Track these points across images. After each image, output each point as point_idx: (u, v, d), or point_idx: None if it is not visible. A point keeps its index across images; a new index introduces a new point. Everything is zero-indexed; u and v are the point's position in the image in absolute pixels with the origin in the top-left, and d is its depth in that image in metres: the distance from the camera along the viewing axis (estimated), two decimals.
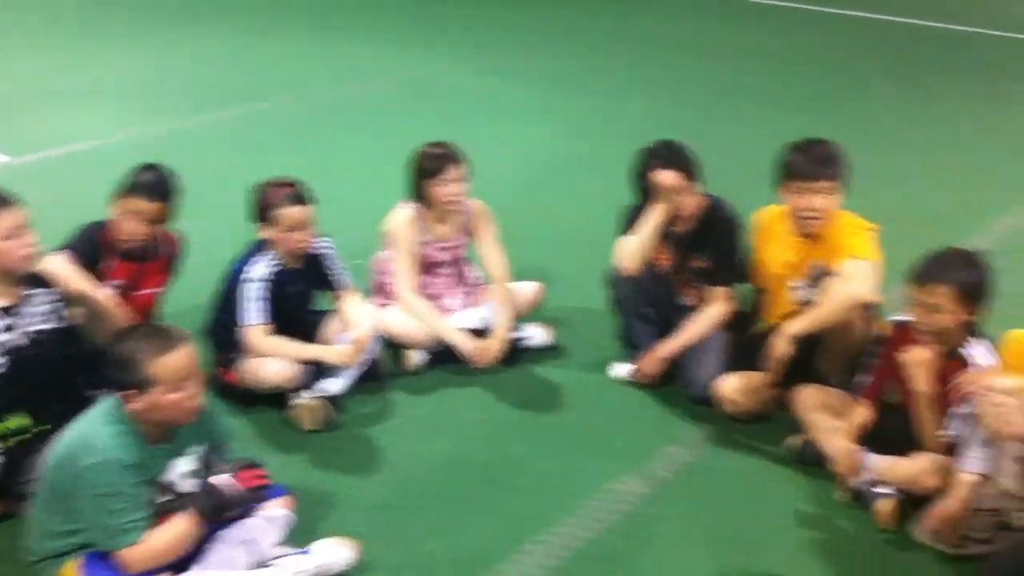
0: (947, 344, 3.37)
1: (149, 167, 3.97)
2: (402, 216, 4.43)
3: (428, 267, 4.52)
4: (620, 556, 3.34)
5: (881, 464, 3.52)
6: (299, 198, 3.98)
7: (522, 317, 4.59)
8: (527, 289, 4.63)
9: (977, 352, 3.36)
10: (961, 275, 3.30)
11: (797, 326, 3.80)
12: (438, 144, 4.43)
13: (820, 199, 3.86)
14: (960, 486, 3.24)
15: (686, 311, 4.27)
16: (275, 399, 4.03)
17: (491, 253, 4.52)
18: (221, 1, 12.44)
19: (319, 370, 4.08)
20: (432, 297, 4.52)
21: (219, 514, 2.99)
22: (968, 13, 12.86)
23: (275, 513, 3.21)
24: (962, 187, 6.87)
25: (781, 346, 3.80)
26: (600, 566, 3.31)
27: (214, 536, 3.06)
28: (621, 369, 4.39)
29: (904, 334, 3.50)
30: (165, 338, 2.92)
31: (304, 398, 3.99)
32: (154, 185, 3.91)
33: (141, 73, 9.19)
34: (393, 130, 7.45)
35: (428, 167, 4.36)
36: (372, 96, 8.81)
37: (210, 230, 4.95)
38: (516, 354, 4.48)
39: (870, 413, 3.62)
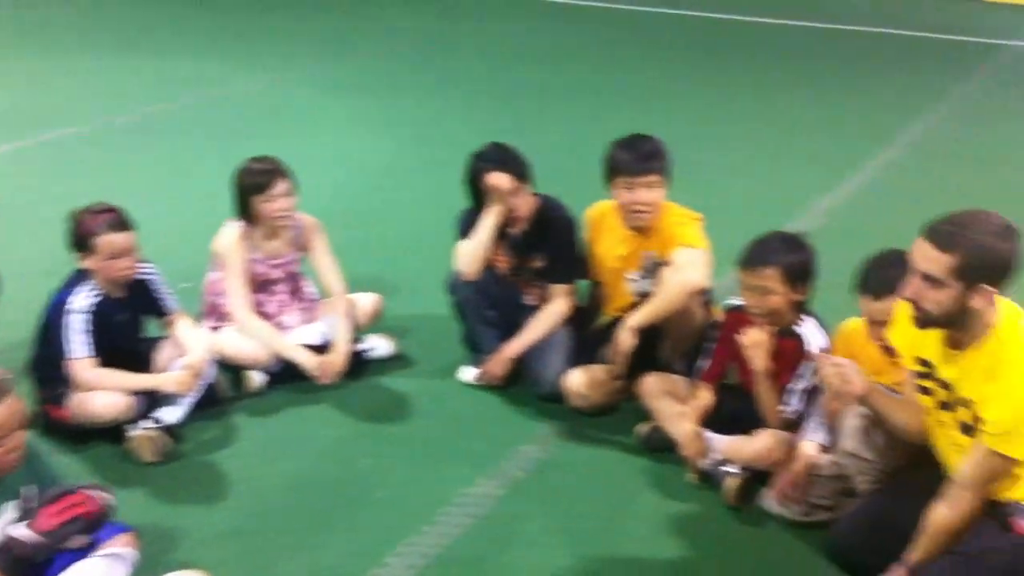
0: (779, 324, 3.50)
1: None
2: (230, 235, 4.29)
3: (261, 285, 4.39)
4: (480, 559, 3.32)
5: (726, 444, 3.62)
6: (119, 224, 3.79)
7: (363, 329, 4.52)
8: (366, 300, 4.56)
9: (808, 329, 3.50)
10: (787, 257, 3.43)
11: (637, 318, 3.87)
12: (262, 159, 4.31)
13: (647, 193, 3.93)
14: (802, 454, 3.36)
15: (529, 311, 4.30)
16: (111, 433, 3.82)
17: (326, 267, 4.44)
18: (22, 22, 11.85)
19: (154, 399, 3.90)
20: (268, 315, 4.39)
21: (23, 566, 2.79)
22: (774, 5, 13.54)
23: (116, 551, 3.04)
24: (780, 173, 7.19)
25: (624, 339, 3.86)
26: (460, 571, 3.27)
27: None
28: (468, 373, 4.38)
29: (739, 317, 3.61)
30: None
31: (140, 429, 3.81)
32: None
33: None
34: (210, 147, 7.27)
35: (253, 183, 4.24)
36: (186, 113, 8.53)
37: (29, 261, 4.68)
38: (360, 367, 4.40)
39: (712, 396, 3.72)
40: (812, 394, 3.48)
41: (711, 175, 6.93)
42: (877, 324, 3.30)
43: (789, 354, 3.50)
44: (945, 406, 2.88)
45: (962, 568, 2.80)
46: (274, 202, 4.21)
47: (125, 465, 3.76)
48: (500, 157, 4.12)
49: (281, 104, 8.87)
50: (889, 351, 3.28)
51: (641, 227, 4.02)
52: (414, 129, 8.13)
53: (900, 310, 3.00)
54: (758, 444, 3.52)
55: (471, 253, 4.14)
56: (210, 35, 11.53)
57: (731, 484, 3.52)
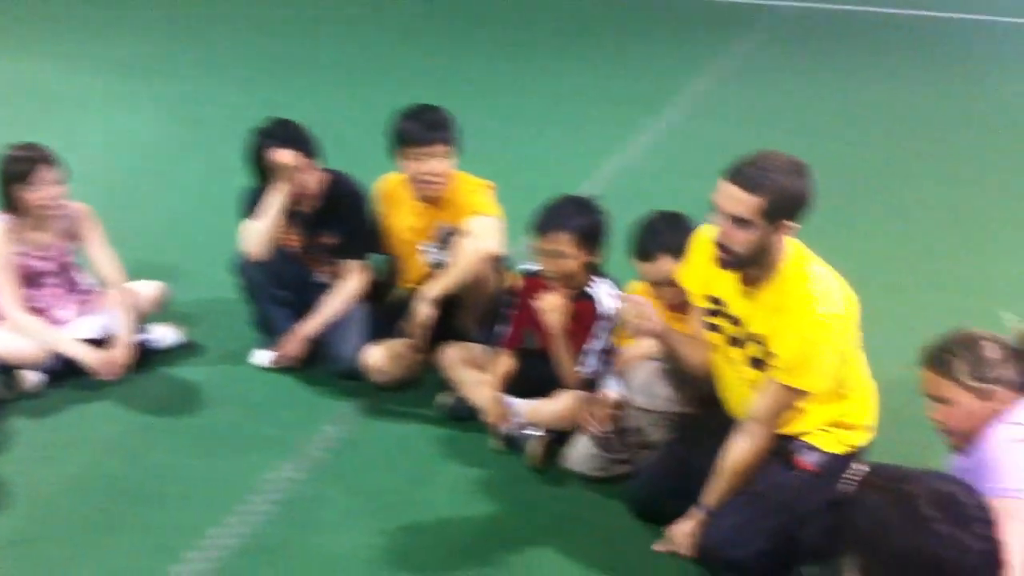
0: (574, 286, 3.54)
1: None
2: None
3: (32, 279, 4.09)
4: (284, 545, 3.21)
5: (527, 407, 3.64)
6: None
7: (147, 318, 4.30)
8: (148, 288, 4.33)
9: (601, 290, 3.55)
10: (578, 221, 3.47)
11: (434, 289, 3.84)
12: (25, 146, 4.01)
13: (436, 163, 3.89)
14: (605, 394, 3.44)
15: (322, 289, 4.19)
16: None
17: (101, 256, 4.18)
18: None
19: None
20: (41, 310, 4.11)
21: None
22: None
23: None
24: (564, 141, 7.28)
25: (422, 311, 3.82)
26: (265, 558, 3.15)
27: None
28: (262, 356, 4.23)
29: (534, 282, 3.63)
30: None
31: None
32: None
33: None
34: None
35: (16, 171, 3.94)
36: None
37: None
38: (147, 358, 4.19)
39: (512, 361, 3.74)
40: (608, 354, 3.54)
41: (497, 145, 6.97)
42: (654, 284, 3.38)
43: (584, 316, 3.55)
44: (735, 342, 2.98)
45: (751, 506, 2.92)
46: (39, 190, 3.93)
47: None
48: (285, 133, 3.99)
49: (40, 86, 8.32)
50: (674, 308, 3.38)
51: (432, 198, 3.98)
52: (184, 108, 7.80)
53: (691, 250, 3.09)
54: (558, 405, 3.55)
55: (259, 233, 3.99)
56: None
57: (533, 447, 3.54)
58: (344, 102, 7.98)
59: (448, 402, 3.86)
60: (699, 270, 3.06)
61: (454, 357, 3.85)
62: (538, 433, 3.57)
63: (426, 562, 3.15)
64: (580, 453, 3.46)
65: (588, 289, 3.56)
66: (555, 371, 3.60)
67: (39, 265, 4.10)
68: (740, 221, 2.74)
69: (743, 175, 2.73)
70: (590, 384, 3.59)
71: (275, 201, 3.96)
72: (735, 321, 2.97)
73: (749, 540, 2.89)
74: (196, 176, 6.25)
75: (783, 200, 2.71)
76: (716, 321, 3.04)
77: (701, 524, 3.02)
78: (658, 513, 3.21)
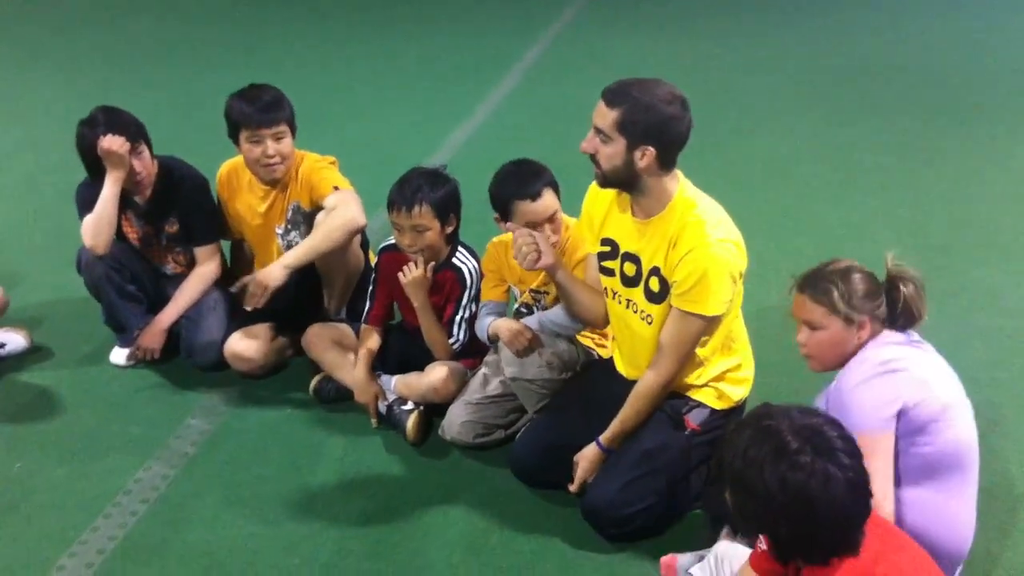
0: (436, 258, 3.56)
1: None
2: None
3: None
4: (161, 543, 3.13)
5: (399, 383, 3.65)
6: None
7: None
8: None
9: (461, 259, 3.59)
10: (434, 193, 3.47)
11: (293, 255, 3.71)
12: None
13: (275, 144, 3.79)
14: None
15: (173, 280, 4.08)
16: None
17: None
18: None
19: None
20: None
21: None
22: None
23: None
24: (414, 111, 7.26)
25: (275, 274, 3.66)
26: (143, 557, 3.07)
27: None
28: (119, 355, 4.10)
29: (394, 257, 3.62)
30: None
31: None
32: None
33: None
34: None
35: None
36: None
37: None
38: None
39: (379, 338, 3.73)
40: (473, 322, 3.58)
41: (337, 120, 6.92)
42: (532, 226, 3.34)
43: (448, 286, 3.57)
44: (630, 281, 3.05)
45: (638, 466, 3.01)
46: None
47: None
48: (110, 120, 3.83)
49: None
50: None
51: (276, 179, 3.89)
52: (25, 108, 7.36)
53: (586, 198, 3.17)
54: (432, 377, 3.57)
55: (95, 226, 3.83)
56: None
57: (410, 424, 3.55)
58: (168, 88, 7.72)
59: (318, 384, 3.83)
60: (592, 215, 3.15)
61: (320, 338, 3.82)
62: (412, 408, 3.58)
63: (310, 549, 3.12)
64: (456, 423, 3.49)
65: (452, 259, 3.58)
66: (425, 344, 3.62)
67: None
68: (601, 134, 2.84)
69: (609, 90, 2.83)
70: (461, 354, 3.62)
71: (108, 192, 3.81)
72: (631, 258, 3.04)
73: (635, 499, 2.98)
74: (24, 175, 5.95)
75: (640, 118, 2.78)
76: (611, 264, 3.11)
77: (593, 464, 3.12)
78: (541, 476, 3.27)
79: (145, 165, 3.89)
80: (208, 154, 4.19)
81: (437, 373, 3.57)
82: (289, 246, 3.98)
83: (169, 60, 8.75)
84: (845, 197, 5.76)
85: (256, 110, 3.78)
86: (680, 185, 2.97)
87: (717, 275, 2.89)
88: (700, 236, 2.89)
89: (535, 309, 3.53)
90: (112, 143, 3.76)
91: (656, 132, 2.82)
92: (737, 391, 3.16)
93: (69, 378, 4.03)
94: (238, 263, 4.26)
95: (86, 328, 4.25)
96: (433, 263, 3.55)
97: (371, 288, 3.76)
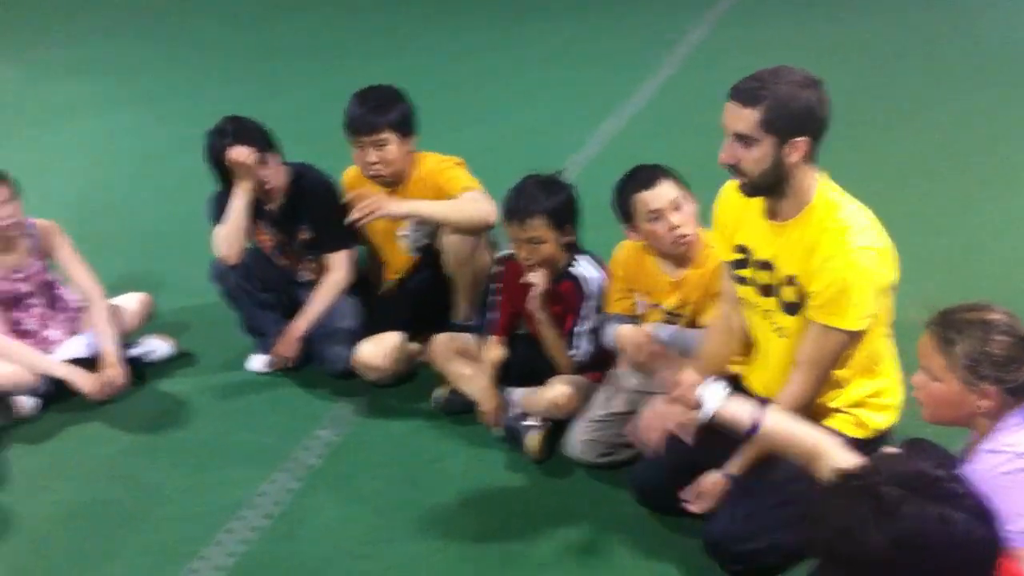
0: (555, 268, 3.40)
1: None
2: None
3: (14, 302, 4.01)
4: (279, 560, 3.13)
5: (523, 397, 3.52)
6: None
7: (135, 332, 4.22)
8: (133, 301, 4.24)
9: (583, 268, 3.42)
10: (549, 203, 3.32)
11: (420, 204, 3.62)
12: None
13: (376, 152, 3.71)
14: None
15: (306, 287, 4.08)
16: None
17: (75, 272, 4.06)
18: None
19: None
20: (30, 333, 4.04)
21: None
22: None
23: None
24: (558, 103, 7.08)
25: (394, 205, 3.58)
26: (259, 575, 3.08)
27: None
28: (257, 362, 4.14)
29: (514, 267, 3.49)
30: None
31: None
32: None
33: None
34: None
35: None
36: None
37: None
38: (138, 371, 4.11)
39: (503, 349, 3.61)
40: (598, 333, 3.40)
41: (484, 114, 6.82)
42: (655, 219, 3.16)
43: (570, 297, 3.42)
44: (767, 291, 2.82)
45: (763, 495, 2.78)
46: None
47: None
48: (238, 130, 3.85)
49: (5, 94, 8.20)
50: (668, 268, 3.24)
51: (387, 184, 3.80)
52: (158, 107, 7.55)
53: (716, 204, 2.95)
54: (553, 393, 3.42)
55: (226, 236, 3.87)
56: None
57: (531, 440, 3.42)
58: (320, 86, 7.71)
59: (442, 396, 3.74)
60: (725, 221, 2.92)
61: (444, 348, 3.73)
62: (535, 424, 3.45)
63: (428, 564, 3.05)
64: (580, 440, 3.34)
65: (570, 269, 3.42)
66: (548, 356, 3.48)
67: (17, 287, 4.01)
68: (742, 138, 2.60)
69: (740, 90, 2.60)
70: (585, 367, 3.46)
71: (238, 202, 3.84)
72: (765, 265, 2.81)
73: (759, 533, 2.75)
74: (175, 179, 6.02)
75: (783, 111, 2.55)
76: (745, 273, 2.88)
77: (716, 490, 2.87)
78: (664, 501, 3.07)
79: (274, 173, 3.90)
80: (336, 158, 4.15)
81: (559, 388, 3.42)
82: (415, 248, 3.92)
83: (322, 54, 8.78)
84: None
85: (357, 115, 3.73)
86: (820, 185, 2.72)
87: (859, 285, 2.62)
88: (841, 242, 2.63)
89: None
90: (239, 154, 3.78)
91: (805, 120, 2.58)
92: (879, 419, 2.87)
93: (208, 385, 4.09)
94: (371, 268, 4.22)
95: (230, 334, 4.28)
96: (552, 273, 3.39)
97: (493, 297, 3.64)
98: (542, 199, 3.30)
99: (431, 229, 3.82)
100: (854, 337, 2.70)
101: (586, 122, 6.51)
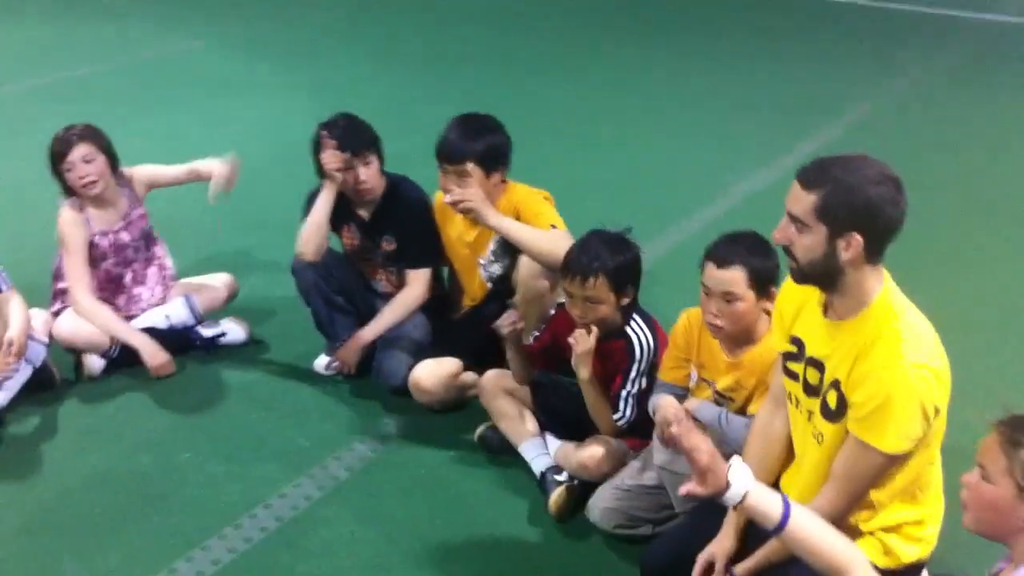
0: (609, 328, 3.22)
1: None
2: (64, 214, 4.04)
3: (114, 252, 4.12)
4: (273, 567, 3.08)
5: (559, 452, 3.37)
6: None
7: (217, 311, 4.28)
8: (218, 280, 4.31)
9: (637, 329, 3.23)
10: (612, 262, 3.14)
11: (505, 221, 3.52)
12: (70, 127, 4.03)
13: (455, 182, 3.60)
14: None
15: (380, 297, 4.04)
16: None
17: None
18: None
19: None
20: (122, 287, 4.20)
21: None
22: None
23: None
24: (697, 149, 6.84)
25: (492, 214, 3.51)
26: None
27: None
28: (320, 362, 4.12)
29: (566, 317, 3.32)
30: None
31: None
32: None
33: None
34: (129, 113, 7.02)
35: (53, 153, 3.99)
36: (107, 78, 8.26)
37: None
38: (210, 351, 4.18)
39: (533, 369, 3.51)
40: (644, 397, 3.21)
41: (619, 146, 6.67)
42: (715, 297, 2.92)
43: (618, 356, 3.23)
44: (814, 390, 2.60)
45: None
46: (74, 169, 3.96)
47: None
48: (345, 128, 3.84)
49: (205, 67, 8.58)
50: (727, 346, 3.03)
51: (464, 213, 3.66)
52: (326, 96, 7.55)
53: (783, 285, 2.74)
54: (585, 454, 3.25)
55: (306, 233, 3.86)
56: None
57: (556, 498, 3.25)
58: (517, 95, 7.69)
59: (482, 432, 3.63)
60: (785, 309, 2.71)
61: (493, 385, 3.59)
62: (563, 480, 3.29)
63: None
64: (599, 507, 3.16)
65: (624, 328, 3.24)
66: (588, 411, 3.31)
67: (120, 238, 4.13)
68: (797, 221, 2.39)
69: (806, 170, 2.40)
70: (626, 432, 3.28)
71: (322, 201, 3.83)
72: (815, 364, 2.59)
73: None
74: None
75: (842, 203, 2.32)
76: (796, 367, 2.66)
77: None
78: None
79: (371, 176, 3.86)
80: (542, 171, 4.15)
81: (591, 450, 3.24)
82: (491, 279, 3.82)
83: (531, 68, 8.79)
84: None
85: (444, 142, 3.65)
86: (884, 288, 2.47)
87: (904, 404, 2.36)
88: (892, 354, 2.37)
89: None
90: (329, 161, 3.77)
91: (863, 217, 2.34)
92: (909, 551, 2.57)
93: (269, 376, 4.11)
94: (454, 292, 4.13)
95: (306, 328, 4.28)
96: (603, 331, 3.22)
97: (538, 335, 3.51)
98: (606, 258, 3.12)
99: (508, 261, 3.71)
100: (893, 460, 2.44)
101: (728, 173, 6.25)
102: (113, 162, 4.05)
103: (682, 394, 3.15)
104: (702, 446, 2.25)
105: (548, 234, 3.53)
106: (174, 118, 7.25)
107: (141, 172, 4.22)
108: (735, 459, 2.26)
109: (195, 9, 10.66)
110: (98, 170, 3.98)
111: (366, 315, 4.05)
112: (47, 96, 7.76)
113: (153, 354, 4.02)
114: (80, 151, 3.94)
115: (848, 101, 7.85)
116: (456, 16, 10.64)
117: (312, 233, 3.85)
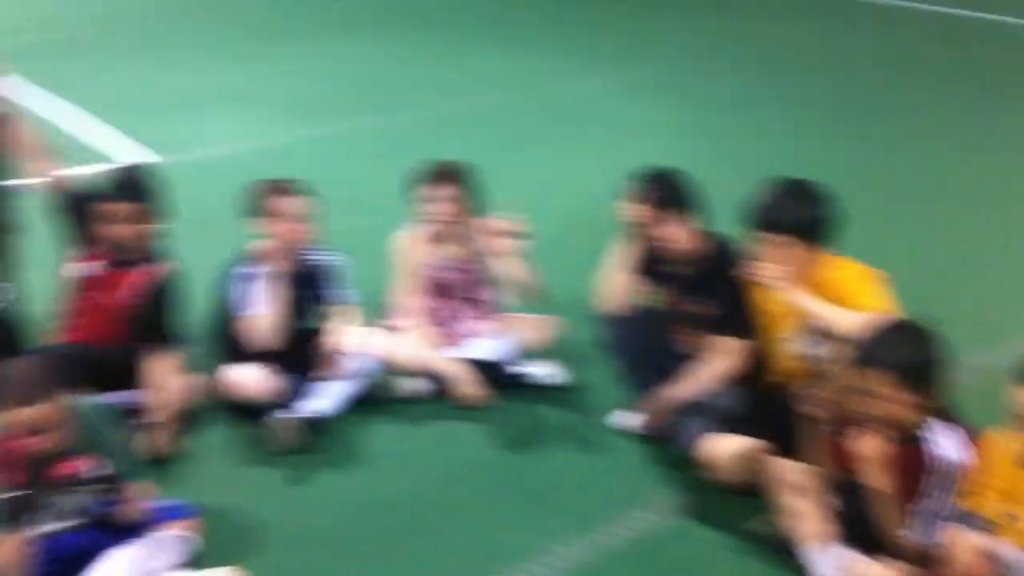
0: (900, 431, 2.83)
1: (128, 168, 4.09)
2: (404, 237, 4.32)
3: (437, 289, 4.34)
4: None
5: (844, 561, 3.02)
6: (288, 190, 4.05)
7: (534, 351, 4.32)
8: (540, 321, 4.35)
9: (939, 439, 2.81)
10: (902, 355, 2.77)
11: (795, 295, 3.36)
12: (441, 162, 4.27)
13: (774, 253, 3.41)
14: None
15: (680, 358, 3.86)
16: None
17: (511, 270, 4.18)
18: (389, 8, 12.40)
19: (302, 389, 4.00)
20: (443, 321, 4.35)
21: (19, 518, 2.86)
22: None
23: (168, 535, 3.15)
24: None
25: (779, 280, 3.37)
26: None
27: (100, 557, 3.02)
28: (625, 418, 4.02)
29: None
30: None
31: (279, 417, 3.87)
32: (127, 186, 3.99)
33: (300, 80, 9.24)
34: (514, 145, 7.30)
35: (417, 182, 4.25)
36: (505, 110, 8.59)
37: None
38: (520, 390, 4.22)
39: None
40: (944, 517, 2.79)
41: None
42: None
43: (912, 465, 2.82)
44: None
45: None
46: (435, 204, 4.18)
47: (254, 448, 3.86)
48: (640, 183, 3.75)
49: (604, 110, 8.64)
50: None
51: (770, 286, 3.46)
52: (722, 142, 7.50)
53: None
54: (869, 573, 2.89)
55: (601, 284, 3.82)
56: (524, 30, 11.50)
57: None
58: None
59: (764, 524, 3.34)
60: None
61: (781, 479, 3.29)
62: None
63: None
64: None
65: (921, 434, 2.83)
66: (877, 523, 2.93)
67: (446, 276, 4.31)
68: None
69: None
70: (920, 556, 2.87)
71: (620, 255, 3.75)
72: None
73: None
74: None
75: None
76: None
77: None
78: None
79: (676, 236, 3.73)
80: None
81: (876, 571, 2.86)
82: (802, 356, 3.53)
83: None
84: None
85: (762, 208, 3.48)
86: None
87: None
88: None
89: None
90: (631, 209, 3.75)
91: None
92: None
93: (570, 423, 4.08)
94: (760, 361, 3.85)
95: (614, 378, 4.12)
96: (896, 435, 2.83)
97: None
98: (893, 348, 2.76)
99: (818, 340, 3.41)
100: None
101: None
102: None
103: (982, 530, 2.70)
104: None
105: (859, 316, 3.19)
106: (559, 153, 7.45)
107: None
108: None
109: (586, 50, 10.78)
110: (455, 211, 4.25)
111: (665, 373, 3.88)
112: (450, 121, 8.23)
113: (465, 384, 4.14)
114: (448, 190, 4.20)
115: None
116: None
117: (614, 287, 3.83)
